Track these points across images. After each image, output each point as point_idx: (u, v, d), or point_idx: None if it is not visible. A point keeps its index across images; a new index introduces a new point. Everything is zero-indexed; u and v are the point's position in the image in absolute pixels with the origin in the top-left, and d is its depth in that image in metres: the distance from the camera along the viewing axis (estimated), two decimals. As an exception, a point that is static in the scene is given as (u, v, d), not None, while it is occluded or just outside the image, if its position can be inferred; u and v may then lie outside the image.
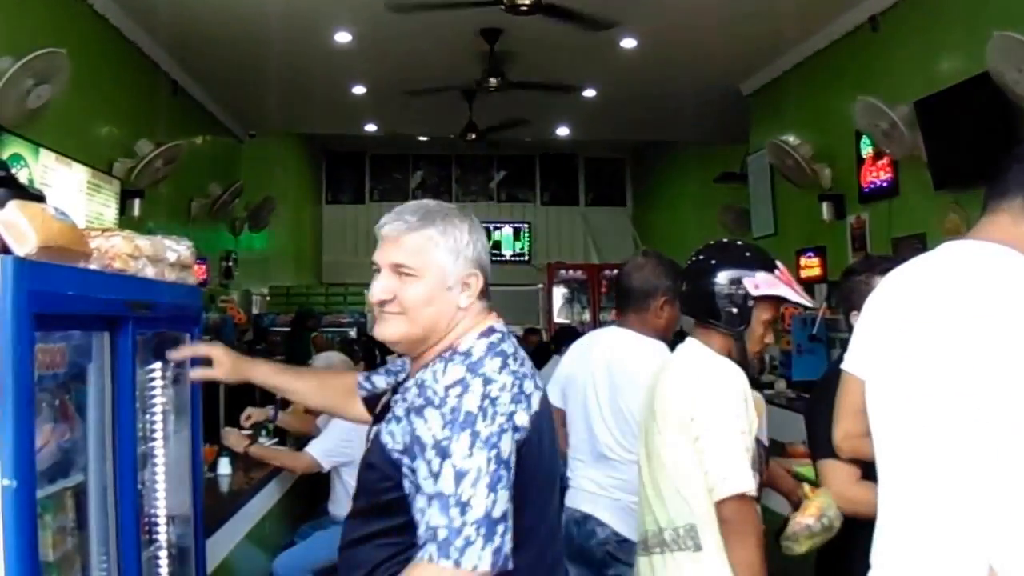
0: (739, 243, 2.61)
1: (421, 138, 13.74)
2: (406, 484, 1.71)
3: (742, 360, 2.42)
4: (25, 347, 1.72)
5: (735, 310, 2.41)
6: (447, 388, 1.71)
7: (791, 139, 8.02)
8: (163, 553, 2.54)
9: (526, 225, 16.56)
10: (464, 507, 1.60)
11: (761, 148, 8.75)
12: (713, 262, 2.47)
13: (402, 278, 1.84)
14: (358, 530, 1.84)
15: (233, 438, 4.50)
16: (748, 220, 9.59)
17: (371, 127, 12.04)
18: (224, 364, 2.17)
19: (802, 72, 8.22)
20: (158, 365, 2.55)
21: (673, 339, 3.16)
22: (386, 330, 1.86)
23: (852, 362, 2.00)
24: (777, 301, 2.46)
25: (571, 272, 13.67)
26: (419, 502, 1.66)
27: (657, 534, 2.35)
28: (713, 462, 2.23)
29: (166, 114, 8.11)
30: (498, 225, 16.37)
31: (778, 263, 2.48)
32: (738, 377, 2.34)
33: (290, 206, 13.01)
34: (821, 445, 2.52)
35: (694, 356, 2.44)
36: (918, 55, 6.35)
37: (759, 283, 2.40)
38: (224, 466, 4.35)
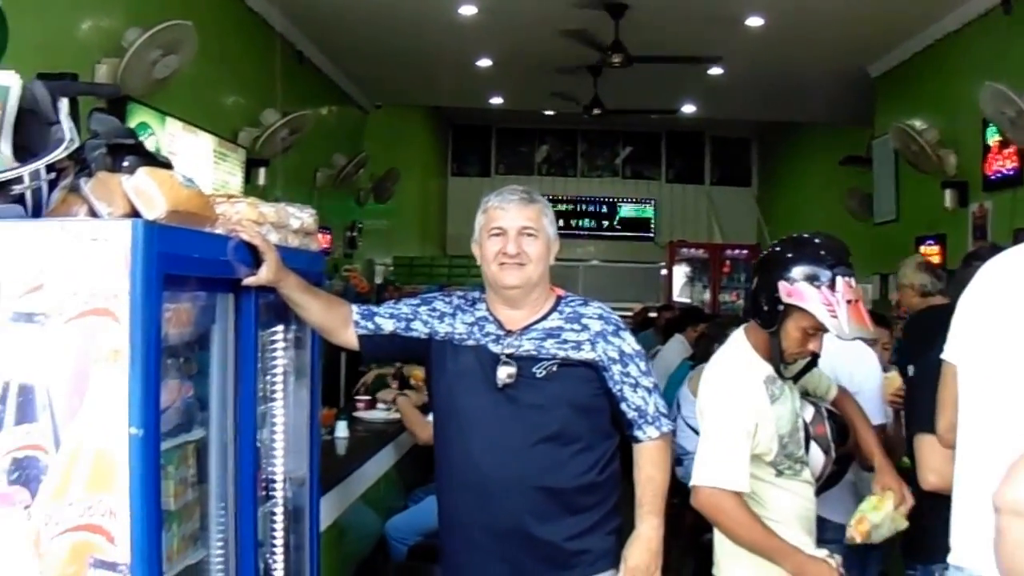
0: (815, 240, 2.51)
1: (547, 112, 13.71)
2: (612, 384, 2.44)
3: (773, 358, 2.48)
4: (154, 306, 1.81)
5: (765, 308, 2.45)
6: (612, 316, 2.51)
7: (917, 124, 7.68)
8: (279, 510, 2.63)
9: (651, 202, 16.37)
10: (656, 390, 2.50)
11: (886, 132, 8.38)
12: (773, 254, 2.55)
13: (527, 238, 2.44)
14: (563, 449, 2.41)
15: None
16: (871, 205, 9.27)
17: (497, 100, 12.07)
18: (271, 268, 2.28)
19: (931, 55, 7.85)
20: (280, 328, 2.63)
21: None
22: (514, 277, 2.44)
23: (951, 351, 1.98)
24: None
25: (693, 251, 13.50)
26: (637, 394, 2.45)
27: None
28: (700, 451, 2.44)
29: (291, 84, 8.20)
30: (623, 201, 16.24)
31: (845, 277, 2.37)
32: (755, 380, 2.46)
33: (415, 178, 13.16)
34: (917, 421, 2.51)
35: (727, 350, 2.59)
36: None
37: (792, 292, 2.39)
38: (342, 429, 4.45)
